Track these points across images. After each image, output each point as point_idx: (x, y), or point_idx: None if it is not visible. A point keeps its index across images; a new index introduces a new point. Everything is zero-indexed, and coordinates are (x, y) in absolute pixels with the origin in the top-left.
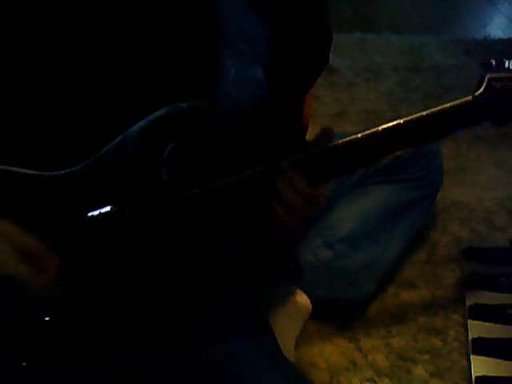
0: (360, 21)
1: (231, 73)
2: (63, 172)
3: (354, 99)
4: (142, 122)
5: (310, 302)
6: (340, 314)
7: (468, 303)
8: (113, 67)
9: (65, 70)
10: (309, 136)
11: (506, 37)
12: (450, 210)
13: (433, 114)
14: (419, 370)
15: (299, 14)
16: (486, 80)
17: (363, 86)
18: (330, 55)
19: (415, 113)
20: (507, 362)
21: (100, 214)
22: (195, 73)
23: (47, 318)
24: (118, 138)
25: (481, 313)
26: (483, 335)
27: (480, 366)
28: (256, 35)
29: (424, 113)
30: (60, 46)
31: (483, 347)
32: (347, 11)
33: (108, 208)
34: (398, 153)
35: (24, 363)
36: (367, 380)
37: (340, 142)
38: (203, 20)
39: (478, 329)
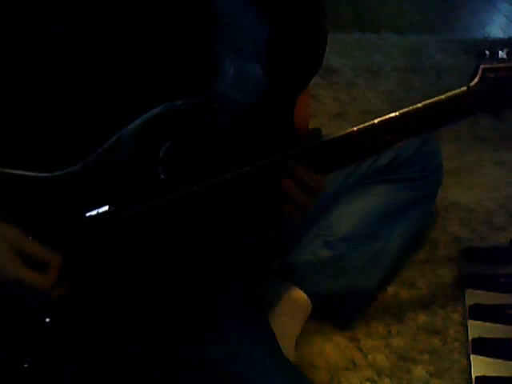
0: (360, 21)
1: (230, 72)
2: (60, 172)
3: (354, 99)
4: (137, 121)
5: (310, 301)
6: (340, 314)
7: (468, 303)
8: (109, 66)
9: (61, 70)
10: None
11: (505, 37)
12: (449, 210)
13: (428, 105)
14: (419, 370)
15: (297, 13)
16: (481, 70)
17: (363, 85)
18: (330, 55)
19: None
20: (507, 362)
21: (98, 213)
22: (192, 71)
23: (48, 319)
24: (114, 137)
25: (481, 313)
26: (483, 335)
27: (480, 366)
28: (255, 33)
29: (420, 104)
30: (57, 46)
31: (483, 347)
32: (347, 11)
33: (106, 207)
34: (396, 145)
35: (26, 365)
36: (367, 380)
37: (338, 134)
38: (201, 18)
39: (477, 329)
